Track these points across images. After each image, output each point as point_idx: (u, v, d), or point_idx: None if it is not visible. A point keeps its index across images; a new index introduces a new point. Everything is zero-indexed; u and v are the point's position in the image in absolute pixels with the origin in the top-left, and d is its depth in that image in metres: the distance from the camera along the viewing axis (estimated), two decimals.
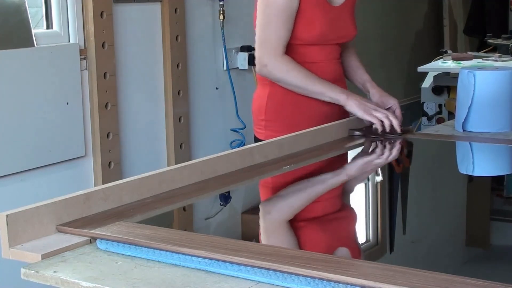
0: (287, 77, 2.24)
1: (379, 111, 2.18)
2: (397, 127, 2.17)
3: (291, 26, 2.23)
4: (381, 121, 2.16)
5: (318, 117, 2.27)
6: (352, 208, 1.83)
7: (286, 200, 1.77)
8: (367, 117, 2.17)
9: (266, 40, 2.24)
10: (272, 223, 1.66)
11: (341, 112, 2.29)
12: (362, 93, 2.41)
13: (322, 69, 2.29)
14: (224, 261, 1.20)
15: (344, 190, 1.92)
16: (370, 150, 2.10)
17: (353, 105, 2.19)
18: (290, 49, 2.26)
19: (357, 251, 1.50)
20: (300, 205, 1.75)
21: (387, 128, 2.16)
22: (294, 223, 1.62)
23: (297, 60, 2.26)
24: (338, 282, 1.11)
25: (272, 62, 2.23)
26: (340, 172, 2.01)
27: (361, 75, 2.43)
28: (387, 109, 2.30)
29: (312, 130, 2.10)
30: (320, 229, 1.62)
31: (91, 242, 1.33)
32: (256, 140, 2.36)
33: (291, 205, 1.73)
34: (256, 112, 2.37)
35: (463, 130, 2.32)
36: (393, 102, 2.32)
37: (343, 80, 2.41)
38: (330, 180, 1.94)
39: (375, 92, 2.36)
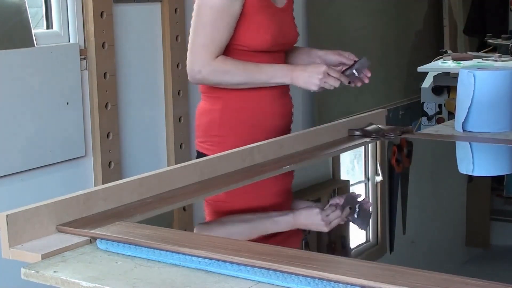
0: (226, 78, 2.11)
1: (320, 76, 2.09)
2: (336, 84, 2.10)
3: (227, 30, 2.10)
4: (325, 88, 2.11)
5: (275, 128, 2.20)
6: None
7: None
8: (312, 89, 2.12)
9: (198, 46, 2.11)
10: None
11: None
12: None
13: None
14: (224, 261, 1.20)
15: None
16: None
17: (301, 84, 2.13)
18: (238, 57, 2.14)
19: None
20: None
21: (333, 86, 2.11)
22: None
23: None
24: (338, 282, 1.11)
25: (206, 68, 2.10)
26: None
27: (302, 51, 2.35)
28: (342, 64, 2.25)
29: (312, 130, 2.11)
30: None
31: (91, 242, 1.33)
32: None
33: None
34: (206, 127, 2.21)
35: (463, 130, 2.32)
36: (336, 57, 2.26)
37: (288, 91, 2.30)
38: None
39: (319, 54, 2.30)
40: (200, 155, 2.18)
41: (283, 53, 2.26)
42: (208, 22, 2.10)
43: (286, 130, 2.24)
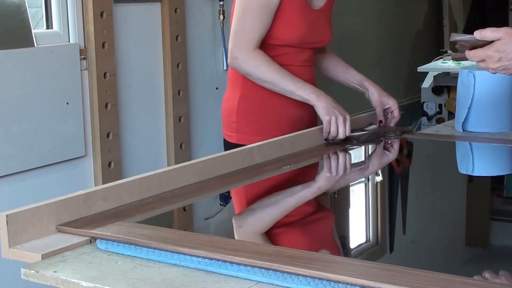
0: (257, 72, 2.16)
1: (340, 117, 2.11)
2: (341, 135, 2.10)
3: (268, 22, 2.16)
4: (330, 126, 2.10)
5: (290, 119, 2.23)
6: (328, 208, 1.81)
7: (260, 213, 1.72)
8: (324, 118, 2.10)
9: (240, 32, 2.16)
10: (247, 235, 1.62)
11: (314, 115, 2.23)
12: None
13: (295, 73, 2.21)
14: (224, 261, 1.20)
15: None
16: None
17: (320, 107, 2.11)
18: (267, 49, 2.20)
19: (337, 252, 1.49)
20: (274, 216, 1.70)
21: (332, 135, 2.10)
22: (270, 231, 1.60)
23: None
24: (338, 282, 1.11)
25: (243, 55, 2.16)
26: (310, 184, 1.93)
27: (355, 75, 2.36)
28: (386, 109, 2.29)
29: (313, 130, 2.10)
30: (297, 232, 1.60)
31: (91, 242, 1.33)
32: (226, 143, 2.29)
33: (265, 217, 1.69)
34: (227, 114, 2.29)
35: (463, 130, 2.32)
36: (392, 103, 2.29)
37: (314, 84, 2.32)
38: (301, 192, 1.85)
39: (374, 92, 2.30)
40: (225, 143, 2.29)
41: (310, 50, 2.29)
42: (250, 12, 2.16)
43: (305, 119, 2.23)
